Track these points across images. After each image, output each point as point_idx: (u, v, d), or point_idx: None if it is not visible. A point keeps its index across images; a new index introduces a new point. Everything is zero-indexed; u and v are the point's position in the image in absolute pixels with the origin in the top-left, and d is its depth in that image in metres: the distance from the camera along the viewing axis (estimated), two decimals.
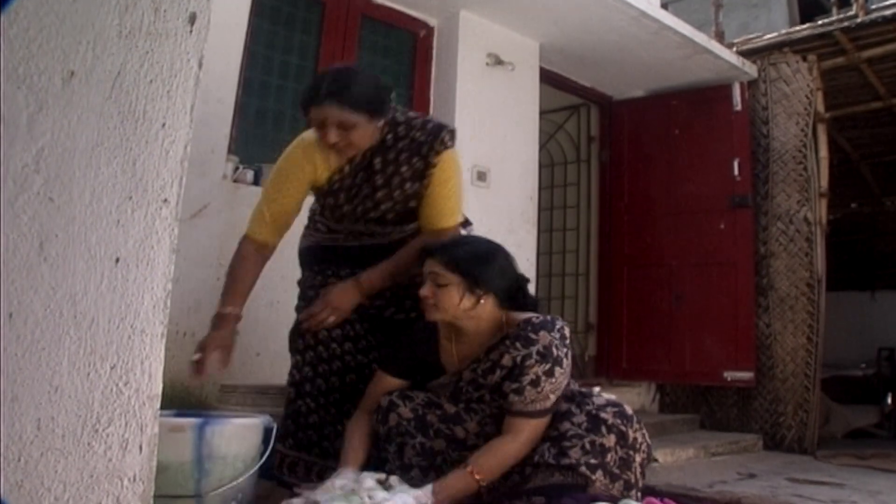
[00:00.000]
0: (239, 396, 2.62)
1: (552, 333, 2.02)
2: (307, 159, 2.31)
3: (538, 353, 1.98)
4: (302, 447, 2.30)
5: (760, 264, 4.71)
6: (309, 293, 2.42)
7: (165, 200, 1.29)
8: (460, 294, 2.04)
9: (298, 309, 2.45)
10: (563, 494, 1.87)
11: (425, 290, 2.08)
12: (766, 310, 4.66)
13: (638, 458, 2.01)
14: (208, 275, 3.04)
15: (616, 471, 1.96)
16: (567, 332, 2.08)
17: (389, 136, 2.29)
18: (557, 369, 1.99)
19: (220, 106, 3.22)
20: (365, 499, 1.73)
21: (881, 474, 3.63)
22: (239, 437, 1.96)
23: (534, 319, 2.06)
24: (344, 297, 2.25)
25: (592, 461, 1.92)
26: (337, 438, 2.28)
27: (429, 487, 1.85)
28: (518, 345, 2.01)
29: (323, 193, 2.37)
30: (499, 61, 4.24)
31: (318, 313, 2.25)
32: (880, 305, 6.95)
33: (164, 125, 1.30)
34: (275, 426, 2.07)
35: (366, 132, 2.22)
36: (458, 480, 1.91)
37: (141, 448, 1.23)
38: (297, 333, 2.36)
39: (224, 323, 2.18)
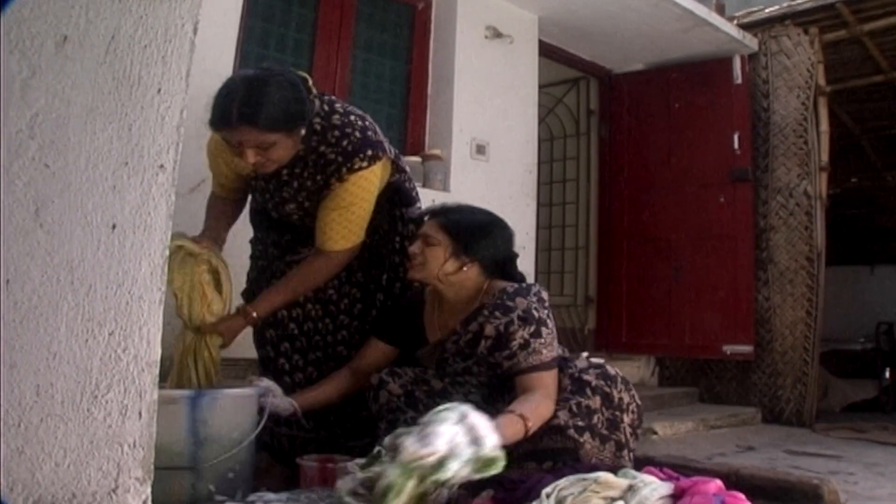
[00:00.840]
0: (239, 370, 2.63)
1: (528, 298, 2.04)
2: (221, 159, 2.27)
3: (519, 317, 2.00)
4: (296, 426, 2.32)
5: (760, 238, 4.70)
6: (259, 262, 2.47)
7: (162, 166, 1.28)
8: (446, 256, 2.08)
9: (250, 271, 2.49)
10: (554, 458, 1.88)
11: (414, 248, 2.13)
12: (765, 284, 4.66)
13: (626, 419, 2.02)
14: None
15: (605, 432, 1.98)
16: (545, 295, 2.10)
17: (302, 147, 2.15)
18: (543, 329, 2.01)
19: (217, 79, 3.18)
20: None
21: (878, 447, 3.66)
22: (233, 409, 1.93)
23: (508, 288, 2.08)
24: (231, 328, 2.16)
25: (580, 423, 1.93)
26: (338, 409, 2.31)
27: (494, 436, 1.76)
28: (497, 313, 2.03)
29: (247, 184, 2.36)
30: (497, 34, 4.20)
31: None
32: (879, 280, 6.96)
33: (159, 90, 1.29)
34: (268, 392, 2.05)
35: (286, 147, 2.08)
36: (513, 422, 1.82)
37: (140, 414, 1.23)
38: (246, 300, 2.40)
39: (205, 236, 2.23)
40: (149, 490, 1.24)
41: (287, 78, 2.08)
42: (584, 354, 2.16)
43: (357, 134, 2.17)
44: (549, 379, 1.99)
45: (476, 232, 2.11)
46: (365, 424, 2.31)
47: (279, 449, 2.34)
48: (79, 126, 1.21)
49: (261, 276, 2.44)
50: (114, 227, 1.23)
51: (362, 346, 2.26)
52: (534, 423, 1.87)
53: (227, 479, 1.86)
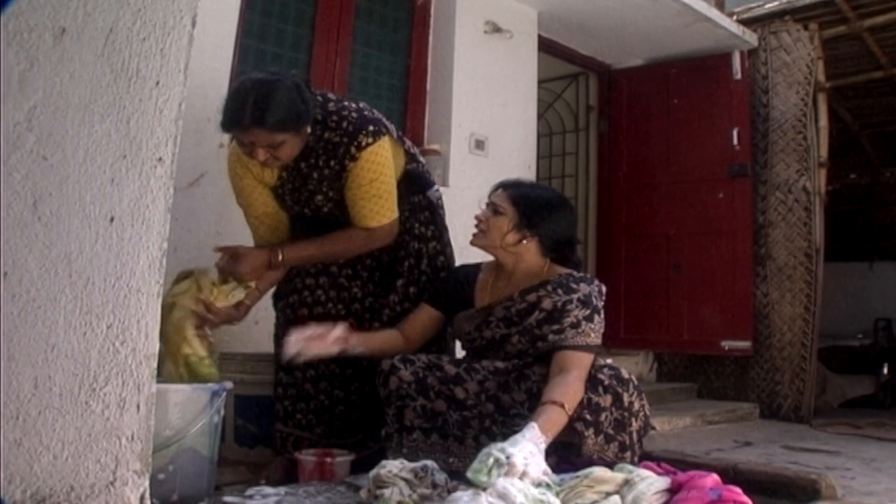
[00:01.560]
0: (238, 364, 2.63)
1: (591, 286, 2.16)
2: (245, 170, 2.31)
3: (579, 299, 2.10)
4: (305, 425, 2.33)
5: (759, 234, 4.70)
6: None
7: (160, 159, 1.28)
8: (509, 227, 2.18)
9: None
10: (557, 453, 1.88)
11: (481, 214, 2.25)
12: (763, 279, 4.66)
13: (634, 424, 2.03)
14: (205, 243, 3.02)
15: (610, 431, 1.98)
16: (604, 289, 2.20)
17: (311, 138, 2.23)
18: (596, 317, 2.10)
19: (215, 74, 3.19)
20: (499, 455, 1.65)
21: (875, 443, 3.66)
22: (162, 406, 1.76)
23: (575, 274, 2.19)
24: (253, 260, 2.22)
25: (588, 417, 1.95)
26: (330, 409, 2.31)
27: (533, 427, 1.82)
28: (560, 291, 2.12)
29: (274, 194, 2.37)
30: (497, 29, 4.19)
31: (223, 266, 2.24)
32: (878, 276, 6.95)
33: (157, 83, 1.29)
34: (224, 392, 2.01)
35: (294, 145, 2.17)
36: (557, 415, 1.89)
37: (138, 407, 1.24)
38: (275, 299, 2.44)
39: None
40: (147, 483, 1.25)
41: (292, 81, 2.16)
42: (609, 361, 2.17)
43: (353, 115, 2.26)
44: (587, 360, 2.06)
45: (540, 208, 2.20)
46: (357, 424, 2.32)
47: (280, 445, 2.35)
48: (77, 119, 1.21)
49: (290, 282, 2.44)
50: (112, 219, 1.23)
51: (413, 312, 2.32)
52: (570, 408, 1.94)
53: (157, 480, 1.69)
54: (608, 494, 1.65)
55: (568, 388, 1.96)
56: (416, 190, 2.47)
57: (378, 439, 2.28)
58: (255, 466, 2.39)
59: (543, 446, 1.77)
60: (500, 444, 1.70)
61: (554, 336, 2.07)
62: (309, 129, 2.19)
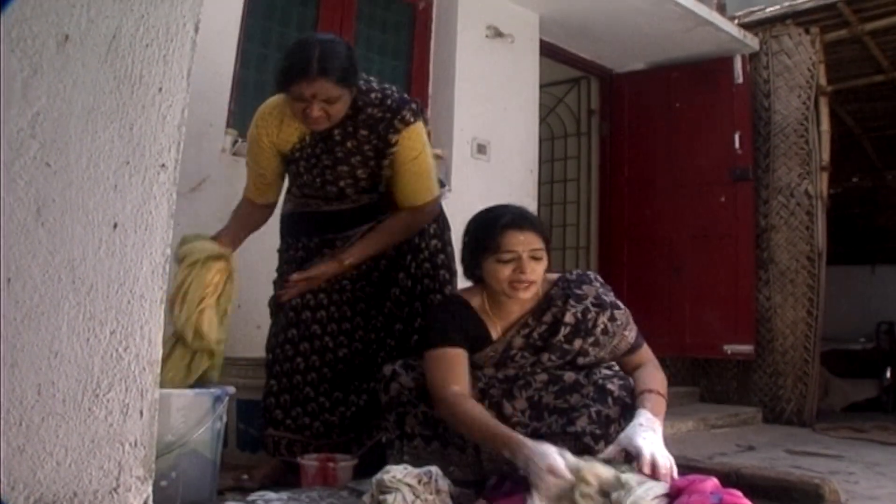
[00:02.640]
0: (240, 369, 2.63)
1: (593, 284, 2.10)
2: (264, 131, 2.33)
3: (593, 304, 2.05)
4: (297, 428, 2.33)
5: (761, 238, 4.70)
6: (283, 267, 2.45)
7: (163, 166, 1.28)
8: (547, 260, 2.04)
9: (275, 281, 2.47)
10: None
11: (527, 268, 1.97)
12: (766, 283, 4.66)
13: None
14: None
15: None
16: (600, 278, 2.16)
17: (350, 109, 2.25)
18: (616, 312, 2.06)
19: (218, 79, 3.20)
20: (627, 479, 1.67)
21: (878, 447, 3.65)
22: (164, 410, 1.75)
23: (567, 276, 2.12)
24: (326, 272, 2.27)
25: (598, 431, 1.93)
26: (321, 415, 2.32)
27: (645, 412, 1.88)
28: (572, 301, 2.04)
29: (286, 160, 2.38)
30: (498, 33, 4.20)
31: (300, 284, 2.28)
32: (880, 280, 6.93)
33: (160, 90, 1.29)
34: (226, 397, 1.99)
35: (345, 104, 2.20)
36: (658, 401, 1.96)
37: (142, 413, 1.24)
38: (276, 307, 2.41)
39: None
40: (150, 489, 1.24)
41: (347, 43, 2.28)
42: (616, 367, 2.15)
43: (396, 94, 2.31)
44: (649, 352, 2.10)
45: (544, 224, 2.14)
46: (350, 425, 2.33)
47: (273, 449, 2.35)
48: (80, 125, 1.21)
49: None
50: (115, 226, 1.23)
51: (438, 368, 1.97)
52: (665, 393, 1.99)
53: (159, 487, 1.62)
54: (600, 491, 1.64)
55: (654, 377, 2.03)
56: None
57: (370, 437, 2.29)
58: (247, 467, 2.40)
59: (660, 429, 1.85)
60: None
61: (594, 349, 2.04)
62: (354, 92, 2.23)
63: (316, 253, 2.37)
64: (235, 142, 3.29)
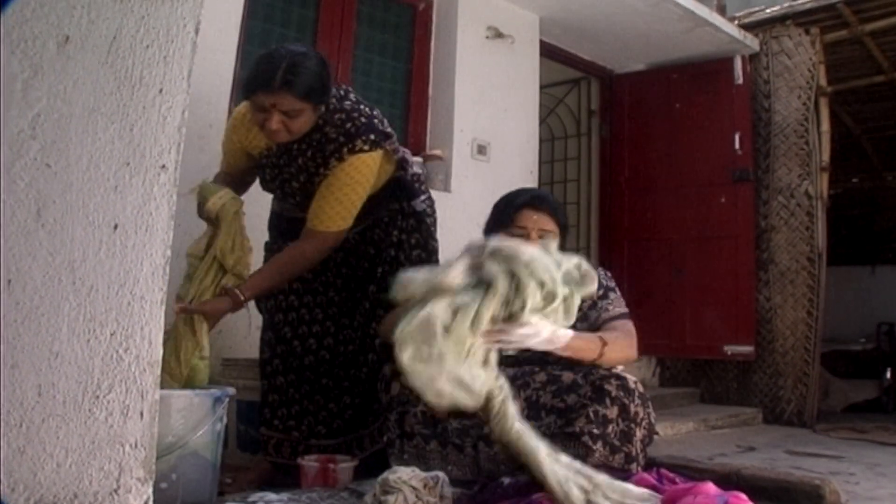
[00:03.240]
0: (240, 370, 2.63)
1: (596, 270, 2.04)
2: (235, 134, 2.33)
3: None
4: (284, 429, 2.34)
5: (761, 238, 4.70)
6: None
7: (164, 167, 1.28)
8: (557, 243, 2.03)
9: None
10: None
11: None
12: (766, 284, 4.66)
13: (639, 433, 2.01)
14: None
15: (616, 443, 1.96)
16: (609, 273, 2.23)
17: (312, 126, 2.24)
18: (611, 294, 2.14)
19: (218, 80, 3.20)
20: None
21: (879, 447, 3.65)
22: (164, 412, 1.76)
23: None
24: (216, 306, 2.15)
25: (595, 431, 1.92)
26: (306, 416, 2.33)
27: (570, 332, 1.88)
28: None
29: (257, 165, 2.39)
30: (498, 34, 4.20)
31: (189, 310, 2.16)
32: (880, 280, 6.94)
33: (161, 91, 1.29)
34: (226, 398, 1.98)
35: (308, 120, 2.17)
36: (590, 339, 1.99)
37: (142, 414, 1.23)
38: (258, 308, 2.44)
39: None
40: (150, 490, 1.24)
41: (323, 57, 2.22)
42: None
43: (363, 119, 2.24)
44: (629, 325, 2.09)
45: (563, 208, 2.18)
46: (343, 427, 2.33)
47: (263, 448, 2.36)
48: (80, 126, 1.21)
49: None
50: (115, 227, 1.23)
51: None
52: (612, 350, 1.99)
53: (159, 489, 1.62)
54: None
55: (614, 335, 2.04)
56: (401, 197, 2.44)
57: (372, 439, 2.29)
58: (237, 469, 2.41)
59: (562, 334, 1.83)
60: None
61: (581, 323, 2.03)
62: (322, 109, 2.20)
63: None
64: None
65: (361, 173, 2.21)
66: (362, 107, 2.28)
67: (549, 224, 2.08)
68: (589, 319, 2.10)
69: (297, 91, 2.07)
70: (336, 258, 2.38)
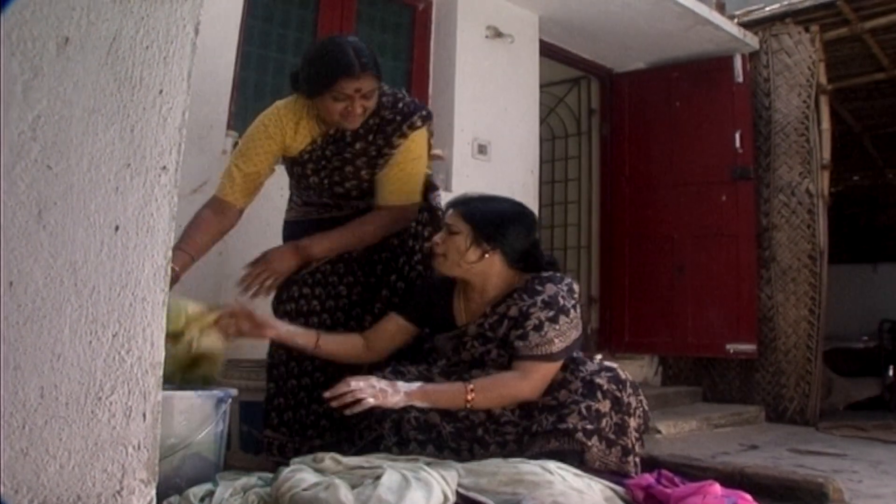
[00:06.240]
0: (243, 371, 2.63)
1: (559, 286, 2.07)
2: (278, 129, 2.32)
3: (542, 301, 2.03)
4: (290, 432, 2.34)
5: (762, 236, 4.70)
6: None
7: (164, 168, 1.28)
8: (467, 245, 2.08)
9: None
10: (560, 461, 1.87)
11: (437, 238, 2.15)
12: (768, 282, 4.65)
13: (633, 423, 2.01)
14: (210, 250, 3.03)
15: (612, 436, 1.96)
16: (575, 287, 2.12)
17: None
18: (562, 317, 2.02)
19: (218, 81, 3.20)
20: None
21: (882, 445, 3.65)
22: (166, 412, 1.80)
23: (542, 274, 2.11)
24: (282, 258, 2.23)
25: (589, 427, 1.92)
26: (312, 418, 2.32)
27: (420, 384, 1.96)
28: (525, 296, 2.07)
29: (291, 162, 2.39)
30: (498, 34, 4.20)
31: (255, 272, 2.24)
32: (882, 278, 6.94)
33: (161, 92, 1.29)
34: (229, 399, 1.98)
35: (376, 99, 2.25)
36: (450, 390, 1.98)
37: (145, 416, 1.23)
38: (274, 310, 2.40)
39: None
40: (153, 492, 1.24)
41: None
42: (598, 357, 2.15)
43: (407, 98, 2.37)
44: (543, 369, 2.01)
45: (496, 219, 2.12)
46: (342, 429, 2.32)
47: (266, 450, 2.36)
48: (81, 128, 1.21)
49: (289, 288, 2.42)
50: (117, 228, 1.23)
51: (380, 320, 2.27)
52: (477, 399, 1.96)
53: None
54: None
55: (498, 386, 1.99)
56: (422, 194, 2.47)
57: (361, 437, 2.30)
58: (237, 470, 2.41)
59: (404, 387, 1.93)
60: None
61: (518, 342, 2.01)
62: None
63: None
64: (236, 143, 3.28)
65: (423, 148, 2.35)
66: (394, 89, 2.39)
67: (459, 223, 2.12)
68: (529, 342, 2.00)
69: (374, 70, 2.18)
70: (358, 254, 2.38)
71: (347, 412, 1.87)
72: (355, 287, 2.40)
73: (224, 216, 2.31)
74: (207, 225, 2.26)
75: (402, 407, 2.03)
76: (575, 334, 2.05)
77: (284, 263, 2.24)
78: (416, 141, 2.31)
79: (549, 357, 2.00)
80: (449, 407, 1.99)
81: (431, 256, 2.19)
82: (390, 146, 2.28)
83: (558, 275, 2.13)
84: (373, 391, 1.87)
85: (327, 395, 1.87)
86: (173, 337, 1.96)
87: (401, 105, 2.32)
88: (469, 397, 1.95)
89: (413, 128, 2.29)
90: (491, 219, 2.11)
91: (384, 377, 2.02)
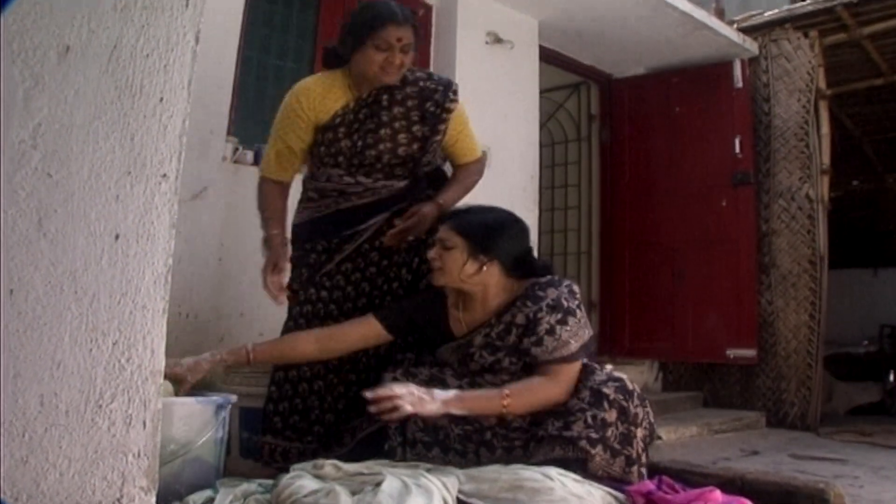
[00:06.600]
0: (243, 377, 2.62)
1: (559, 289, 2.09)
2: (306, 101, 2.37)
3: (548, 305, 2.05)
4: (292, 437, 2.33)
5: (762, 242, 4.70)
6: (302, 271, 2.42)
7: (164, 175, 1.28)
8: (464, 258, 2.09)
9: (291, 288, 2.43)
10: (564, 469, 1.87)
11: (432, 253, 2.15)
12: (768, 287, 4.65)
13: (639, 434, 2.01)
14: (210, 256, 3.04)
15: (616, 446, 1.96)
16: (575, 288, 2.14)
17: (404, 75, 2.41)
18: (570, 318, 2.04)
19: (218, 87, 3.20)
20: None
21: (883, 450, 3.65)
22: (166, 419, 1.80)
23: (541, 280, 2.12)
24: (430, 213, 2.32)
25: (593, 435, 1.92)
26: (323, 423, 2.31)
27: (455, 392, 1.96)
28: (528, 303, 2.07)
29: (323, 129, 2.39)
30: (498, 40, 4.21)
31: (405, 227, 2.31)
32: (882, 283, 6.94)
33: (161, 100, 1.29)
34: (229, 405, 1.98)
35: (412, 59, 2.35)
36: (487, 398, 1.98)
37: (145, 424, 1.23)
38: (289, 312, 2.40)
39: (274, 243, 2.36)
40: (153, 500, 1.24)
41: None
42: (608, 367, 2.14)
43: (435, 74, 2.54)
44: (567, 370, 2.03)
45: (490, 231, 2.13)
46: (344, 434, 2.32)
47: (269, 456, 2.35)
48: (81, 136, 1.21)
49: (308, 283, 2.41)
50: (117, 236, 1.23)
51: (354, 319, 2.25)
52: (518, 402, 1.96)
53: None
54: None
55: (524, 385, 2.00)
56: (436, 186, 2.50)
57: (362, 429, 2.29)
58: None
59: (441, 394, 1.92)
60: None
61: (535, 348, 2.03)
62: None
63: (337, 251, 2.37)
64: (236, 149, 3.29)
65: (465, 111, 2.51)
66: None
67: (453, 237, 2.13)
68: (546, 347, 2.01)
69: (413, 23, 2.29)
70: (371, 246, 2.39)
71: (385, 417, 1.88)
72: (374, 280, 2.40)
73: (281, 190, 2.47)
74: (276, 201, 2.46)
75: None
76: (587, 333, 2.08)
77: (427, 222, 2.33)
78: (461, 107, 2.47)
79: (569, 358, 2.03)
80: (485, 413, 2.00)
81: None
82: (446, 111, 2.40)
83: (556, 278, 2.14)
84: (412, 398, 1.86)
85: (368, 395, 1.87)
86: None
87: (436, 77, 2.48)
88: (505, 402, 1.95)
89: (457, 95, 2.43)
90: (485, 230, 2.12)
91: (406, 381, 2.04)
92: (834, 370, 5.19)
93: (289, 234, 2.44)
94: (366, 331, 2.21)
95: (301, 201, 2.50)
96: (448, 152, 2.51)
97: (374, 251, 2.39)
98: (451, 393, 1.95)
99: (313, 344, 2.20)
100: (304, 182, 2.51)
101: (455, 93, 2.43)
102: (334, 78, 2.40)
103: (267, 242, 2.37)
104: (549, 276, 2.14)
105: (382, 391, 1.86)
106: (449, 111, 2.41)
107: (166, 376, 2.03)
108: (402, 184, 2.39)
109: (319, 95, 2.37)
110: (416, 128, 2.38)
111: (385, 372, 2.15)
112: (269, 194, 2.45)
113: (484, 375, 2.13)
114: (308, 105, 2.36)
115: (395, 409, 1.84)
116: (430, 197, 2.43)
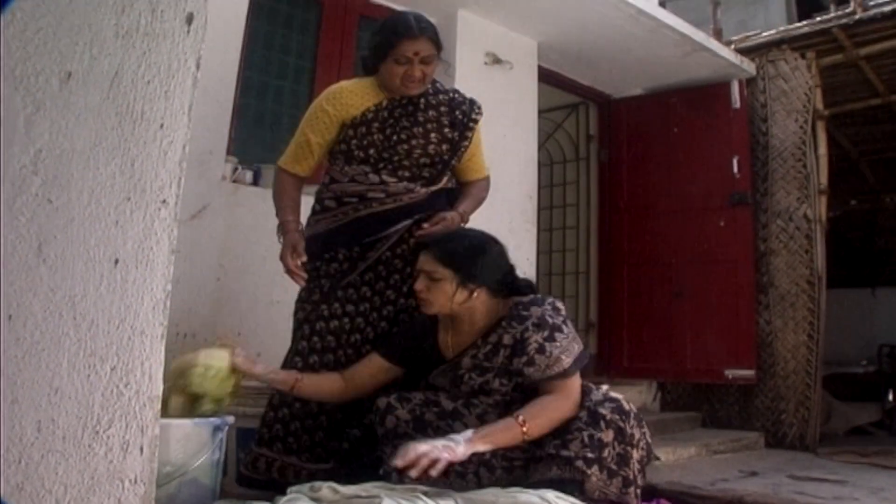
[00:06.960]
0: (241, 398, 2.60)
1: (543, 307, 2.09)
2: (336, 98, 2.45)
3: (533, 324, 2.05)
4: (295, 451, 2.32)
5: (760, 262, 4.70)
6: (320, 282, 2.40)
7: (164, 201, 1.29)
8: (453, 288, 2.09)
9: (302, 299, 2.44)
10: (560, 489, 1.86)
11: (419, 285, 2.14)
12: (766, 307, 4.65)
13: (636, 455, 2.00)
14: (208, 276, 3.04)
15: (613, 467, 1.96)
16: (559, 304, 2.14)
17: (429, 87, 2.49)
18: (558, 334, 2.05)
19: (218, 107, 3.22)
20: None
21: (883, 471, 3.63)
22: (168, 444, 1.80)
23: (524, 300, 2.13)
24: (454, 219, 2.40)
25: (590, 455, 1.92)
26: (320, 436, 2.30)
27: (472, 431, 1.91)
28: (514, 323, 2.08)
29: (354, 125, 2.43)
30: (497, 60, 4.23)
31: (434, 229, 2.34)
32: (881, 302, 6.93)
33: (162, 126, 1.30)
34: (226, 426, 1.97)
35: (435, 71, 2.43)
36: (505, 428, 1.95)
37: (142, 450, 1.23)
38: (295, 324, 2.40)
39: (290, 228, 2.38)
40: None
41: None
42: (605, 387, 2.14)
43: (457, 90, 2.64)
44: (570, 384, 2.03)
45: (474, 257, 2.12)
46: (335, 452, 2.32)
47: (263, 470, 2.33)
48: (82, 161, 1.22)
49: (332, 296, 2.40)
50: (116, 262, 1.23)
51: (361, 358, 2.27)
52: (535, 425, 1.94)
53: None
54: None
55: (538, 408, 1.98)
56: (451, 200, 2.54)
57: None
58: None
59: (460, 437, 1.87)
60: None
61: (527, 368, 2.02)
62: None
63: (361, 259, 2.38)
64: (235, 169, 3.30)
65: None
66: None
67: (438, 268, 2.13)
68: (539, 367, 2.01)
69: (433, 36, 2.38)
70: (394, 254, 2.40)
71: (431, 472, 1.81)
72: (384, 294, 2.41)
73: (296, 182, 2.51)
74: (292, 190, 2.49)
75: (404, 433, 2.03)
76: (577, 347, 2.08)
77: (453, 229, 2.37)
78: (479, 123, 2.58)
79: (565, 373, 2.02)
80: (510, 444, 1.97)
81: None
82: (473, 121, 2.52)
83: (539, 296, 2.15)
84: (438, 451, 1.82)
85: (400, 464, 1.81)
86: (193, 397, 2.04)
87: (459, 91, 2.59)
88: (525, 429, 1.94)
89: (481, 109, 2.55)
90: (469, 258, 2.11)
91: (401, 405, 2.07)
92: (833, 390, 5.18)
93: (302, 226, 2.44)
94: (374, 368, 2.22)
95: (314, 213, 2.49)
96: (462, 167, 2.59)
97: (396, 258, 2.40)
98: (469, 433, 1.91)
99: (340, 384, 2.22)
100: (318, 192, 2.51)
101: (479, 108, 2.56)
102: (370, 81, 2.49)
103: (282, 228, 2.39)
104: (531, 295, 2.15)
105: (410, 456, 1.80)
106: (475, 121, 2.53)
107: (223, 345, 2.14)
108: (423, 191, 2.41)
109: (351, 93, 2.45)
110: (447, 130, 2.47)
111: (380, 397, 2.15)
112: (286, 183, 2.50)
113: (478, 397, 2.13)
114: (337, 101, 2.44)
115: (433, 463, 1.80)
116: (450, 207, 2.48)
